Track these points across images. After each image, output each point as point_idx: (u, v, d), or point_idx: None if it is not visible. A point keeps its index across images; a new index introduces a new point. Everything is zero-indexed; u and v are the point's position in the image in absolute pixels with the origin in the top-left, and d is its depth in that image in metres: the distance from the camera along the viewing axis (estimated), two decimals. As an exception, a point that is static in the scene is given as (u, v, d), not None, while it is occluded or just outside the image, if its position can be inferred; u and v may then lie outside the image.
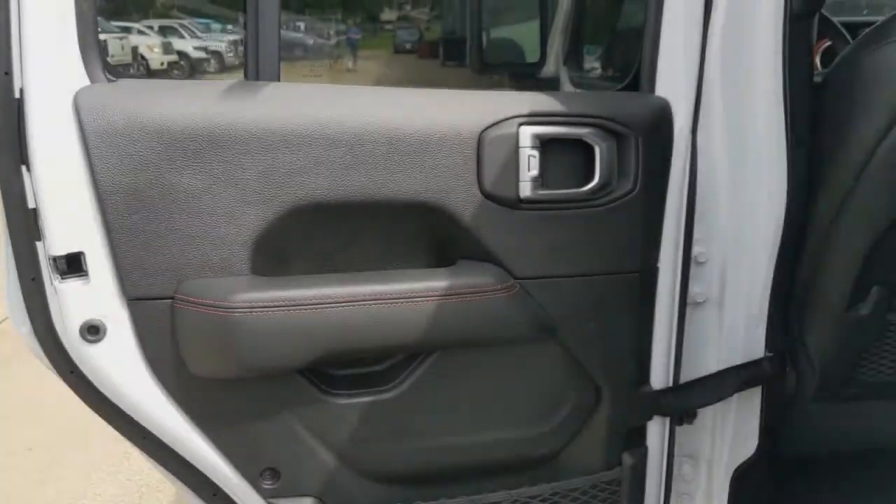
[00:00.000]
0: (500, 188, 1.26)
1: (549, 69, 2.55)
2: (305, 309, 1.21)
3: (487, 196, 1.26)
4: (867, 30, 1.49)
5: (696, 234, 1.39)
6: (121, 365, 1.21)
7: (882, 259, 1.52)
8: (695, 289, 1.42)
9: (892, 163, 1.42)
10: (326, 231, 1.26)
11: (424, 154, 1.23)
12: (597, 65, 2.47)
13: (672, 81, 1.34)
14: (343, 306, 1.22)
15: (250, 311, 1.18)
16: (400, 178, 1.22)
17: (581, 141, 1.29)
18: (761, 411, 1.56)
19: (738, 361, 1.48)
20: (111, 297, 1.18)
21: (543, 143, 1.27)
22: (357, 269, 1.29)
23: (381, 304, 1.23)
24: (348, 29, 17.81)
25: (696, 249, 1.40)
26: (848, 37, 2.36)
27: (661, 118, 1.32)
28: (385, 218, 1.27)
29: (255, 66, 1.27)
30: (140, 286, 1.18)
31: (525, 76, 2.57)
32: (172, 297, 1.19)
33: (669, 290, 1.39)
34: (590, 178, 1.29)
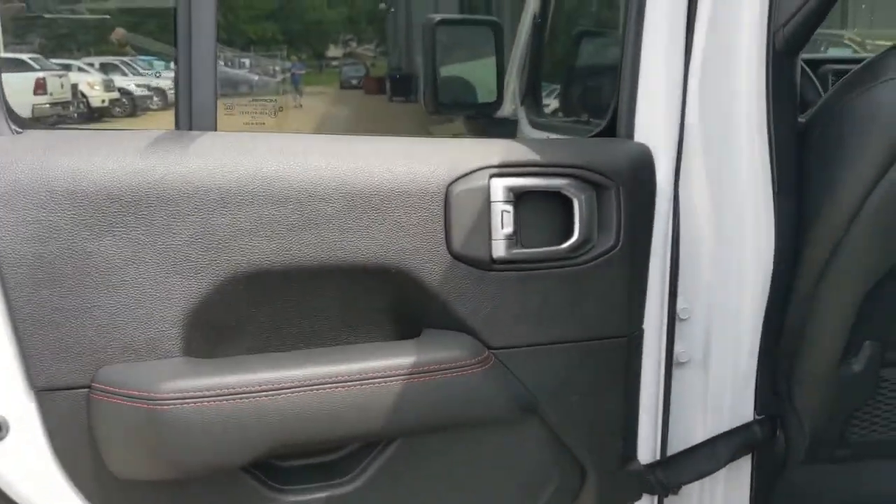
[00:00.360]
0: (470, 248, 1.13)
1: (506, 109, 2.44)
2: (248, 397, 1.04)
3: (457, 257, 1.13)
4: (853, 69, 1.41)
5: (678, 289, 1.29)
6: (28, 467, 1.03)
7: (875, 312, 1.43)
8: (678, 348, 1.32)
9: (885, 210, 1.33)
10: (273, 302, 1.10)
11: (385, 211, 1.09)
12: (556, 105, 2.38)
13: (653, 126, 1.25)
14: (293, 392, 1.06)
15: (182, 402, 1.02)
16: (357, 239, 1.08)
17: (558, 193, 1.17)
18: (751, 478, 1.45)
19: (726, 426, 1.38)
20: (15, 387, 1.01)
21: (517, 197, 1.15)
22: (309, 343, 1.13)
23: (338, 387, 1.08)
24: (293, 65, 17.72)
25: (679, 305, 1.31)
26: (811, 74, 2.31)
27: (643, 167, 1.22)
28: (341, 285, 1.12)
29: (187, 114, 1.12)
30: (50, 374, 1.01)
31: (481, 116, 2.45)
32: (89, 387, 1.03)
33: (655, 354, 1.29)
34: (569, 233, 1.18)
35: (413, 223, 1.10)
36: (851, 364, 1.50)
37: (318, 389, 1.06)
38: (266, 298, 1.09)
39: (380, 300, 1.15)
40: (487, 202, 1.13)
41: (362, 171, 1.09)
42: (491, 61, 2.28)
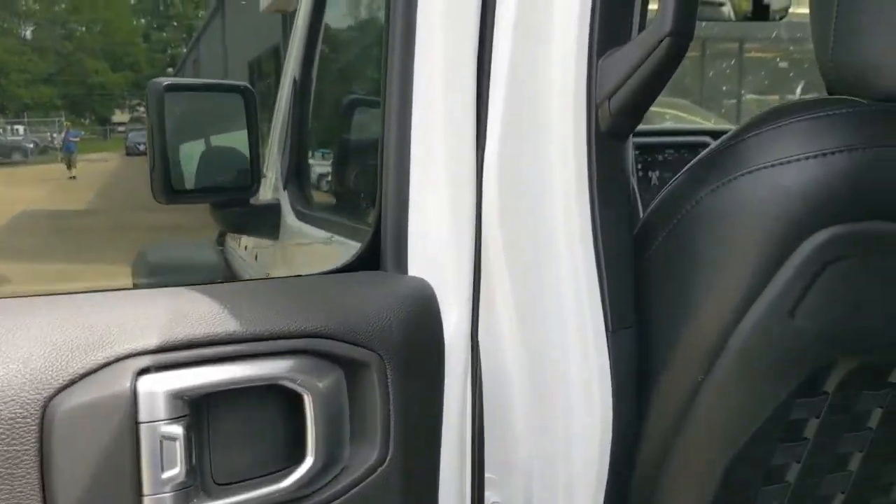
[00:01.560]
0: None
1: (265, 194, 1.96)
2: None
3: None
4: (695, 161, 1.05)
5: (486, 482, 0.87)
6: None
7: (740, 479, 1.07)
8: None
9: (759, 343, 0.96)
10: None
11: None
12: (327, 191, 1.93)
13: (435, 250, 0.79)
14: None
15: None
16: None
17: (275, 386, 0.67)
18: None
19: None
20: None
21: (195, 406, 0.63)
22: None
23: None
24: (67, 132, 16.51)
25: (489, 499, 0.87)
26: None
27: (425, 318, 0.77)
28: None
29: None
30: None
31: (234, 204, 1.94)
32: None
33: None
34: (298, 456, 0.68)
35: None
36: None
37: None
38: None
39: None
40: (132, 425, 0.61)
41: None
42: (242, 136, 1.80)
